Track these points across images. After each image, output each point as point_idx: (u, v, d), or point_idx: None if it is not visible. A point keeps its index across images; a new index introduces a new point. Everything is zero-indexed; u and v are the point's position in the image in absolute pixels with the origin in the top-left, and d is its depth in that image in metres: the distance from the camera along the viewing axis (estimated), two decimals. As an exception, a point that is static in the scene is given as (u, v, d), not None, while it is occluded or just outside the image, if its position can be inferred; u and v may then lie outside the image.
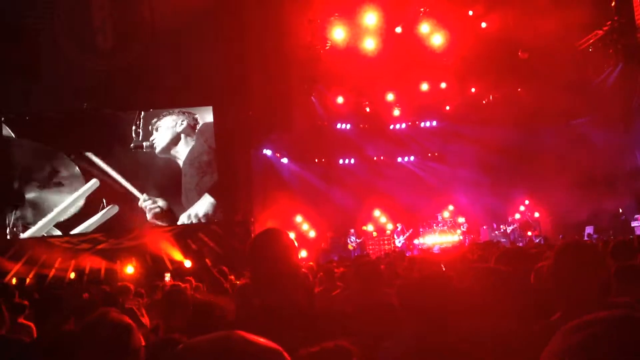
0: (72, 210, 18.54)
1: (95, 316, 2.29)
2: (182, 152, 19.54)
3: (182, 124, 19.59)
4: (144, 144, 19.17)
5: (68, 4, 18.62)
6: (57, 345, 2.50)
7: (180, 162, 19.47)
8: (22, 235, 18.17)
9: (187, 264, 18.31)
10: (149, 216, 19.02)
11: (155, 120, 19.36)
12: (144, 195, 18.99)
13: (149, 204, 19.02)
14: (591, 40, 19.56)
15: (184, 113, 19.65)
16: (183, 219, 19.37)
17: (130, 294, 7.55)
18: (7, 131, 18.44)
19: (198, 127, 19.72)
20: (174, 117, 19.54)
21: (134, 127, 19.17)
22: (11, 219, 18.16)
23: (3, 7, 17.93)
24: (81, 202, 18.62)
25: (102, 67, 18.75)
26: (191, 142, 19.62)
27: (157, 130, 19.33)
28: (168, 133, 19.44)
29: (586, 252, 2.84)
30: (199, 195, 19.54)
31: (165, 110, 19.51)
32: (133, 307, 6.68)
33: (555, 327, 1.16)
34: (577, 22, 17.65)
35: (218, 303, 2.79)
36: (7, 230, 18.10)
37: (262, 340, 1.34)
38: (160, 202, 19.15)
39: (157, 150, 19.27)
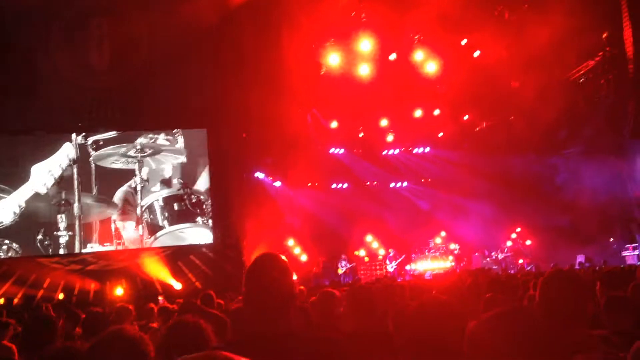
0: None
1: (110, 332, 2.25)
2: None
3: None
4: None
5: (65, 23, 18.67)
6: None
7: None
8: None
9: (177, 286, 18.20)
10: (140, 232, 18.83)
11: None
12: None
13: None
14: (583, 71, 19.82)
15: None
16: (174, 241, 19.22)
17: (130, 317, 6.63)
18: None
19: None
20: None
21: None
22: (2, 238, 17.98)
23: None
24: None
25: (97, 86, 18.76)
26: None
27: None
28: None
29: (572, 281, 2.85)
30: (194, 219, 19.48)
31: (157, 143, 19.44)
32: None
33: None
34: (569, 52, 17.91)
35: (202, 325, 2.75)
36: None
37: None
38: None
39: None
